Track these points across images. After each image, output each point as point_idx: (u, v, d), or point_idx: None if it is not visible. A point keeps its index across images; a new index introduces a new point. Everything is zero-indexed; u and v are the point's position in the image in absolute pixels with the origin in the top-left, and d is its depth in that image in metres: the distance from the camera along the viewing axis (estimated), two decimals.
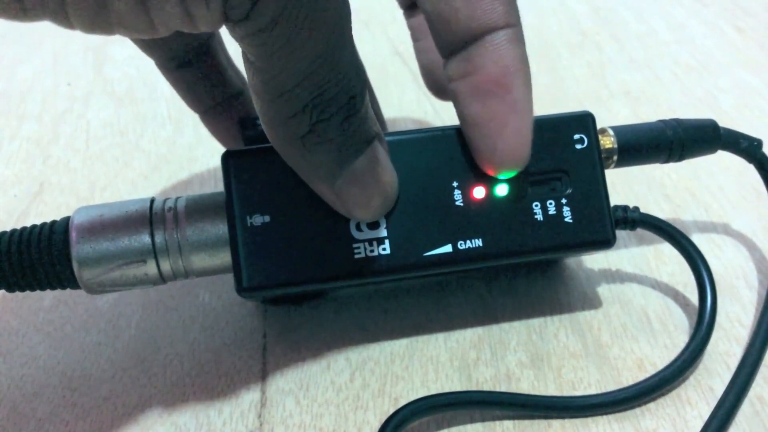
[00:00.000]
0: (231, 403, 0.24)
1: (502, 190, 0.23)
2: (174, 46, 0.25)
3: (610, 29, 0.40)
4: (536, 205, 0.23)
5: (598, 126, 0.24)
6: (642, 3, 0.42)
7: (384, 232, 0.22)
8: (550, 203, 0.23)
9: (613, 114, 0.34)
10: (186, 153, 0.34)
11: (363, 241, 0.22)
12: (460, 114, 0.22)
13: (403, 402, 0.23)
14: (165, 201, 0.22)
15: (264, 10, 0.16)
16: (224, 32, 0.18)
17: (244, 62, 0.18)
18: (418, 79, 0.36)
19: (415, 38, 0.28)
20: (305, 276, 0.22)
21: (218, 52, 0.26)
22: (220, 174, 0.22)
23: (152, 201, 0.22)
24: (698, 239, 0.27)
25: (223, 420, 0.23)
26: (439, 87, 0.27)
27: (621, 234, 0.28)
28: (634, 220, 0.25)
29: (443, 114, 0.35)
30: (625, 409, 0.23)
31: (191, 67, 0.25)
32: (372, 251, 0.22)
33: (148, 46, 0.25)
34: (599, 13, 0.41)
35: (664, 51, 0.38)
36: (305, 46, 0.17)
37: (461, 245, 0.22)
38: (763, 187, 0.26)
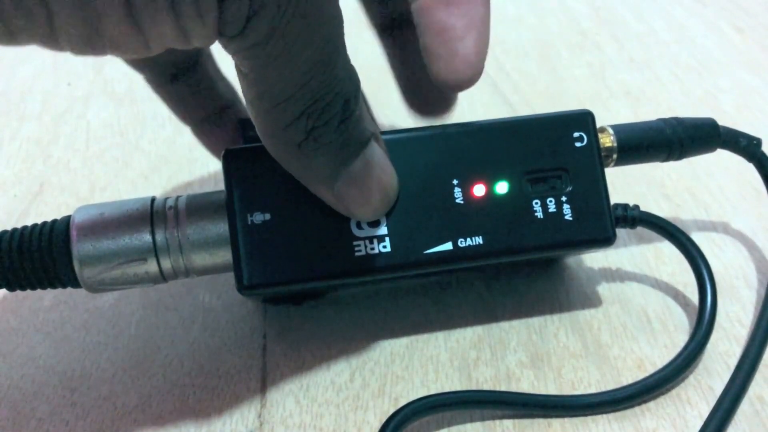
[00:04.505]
0: (231, 404, 0.24)
1: (502, 188, 0.23)
2: (163, 61, 0.25)
3: (610, 29, 0.40)
4: (536, 203, 0.23)
5: (598, 125, 0.24)
6: (642, 3, 0.42)
7: (384, 230, 0.22)
8: (550, 201, 0.23)
9: (613, 114, 0.34)
10: (186, 153, 0.34)
11: (363, 238, 0.22)
12: (425, 25, 0.22)
13: (403, 402, 0.23)
14: (166, 199, 0.22)
15: (259, 26, 0.16)
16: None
17: (238, 74, 0.18)
18: None
19: (400, 61, 0.28)
20: (306, 274, 0.22)
21: (207, 65, 0.26)
22: (220, 174, 0.23)
23: (153, 200, 0.22)
24: (698, 239, 0.27)
25: (223, 420, 0.23)
26: (421, 98, 0.27)
27: (621, 234, 0.29)
28: (634, 218, 0.25)
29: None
30: (625, 408, 0.23)
31: (181, 80, 0.25)
32: (372, 249, 0.22)
33: (136, 62, 0.25)
34: (599, 13, 0.41)
35: (664, 51, 0.38)
36: (300, 58, 0.17)
37: (461, 243, 0.22)
38: (763, 187, 0.26)
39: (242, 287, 0.21)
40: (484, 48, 0.22)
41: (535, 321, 0.26)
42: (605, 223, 0.23)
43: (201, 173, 0.33)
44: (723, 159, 0.27)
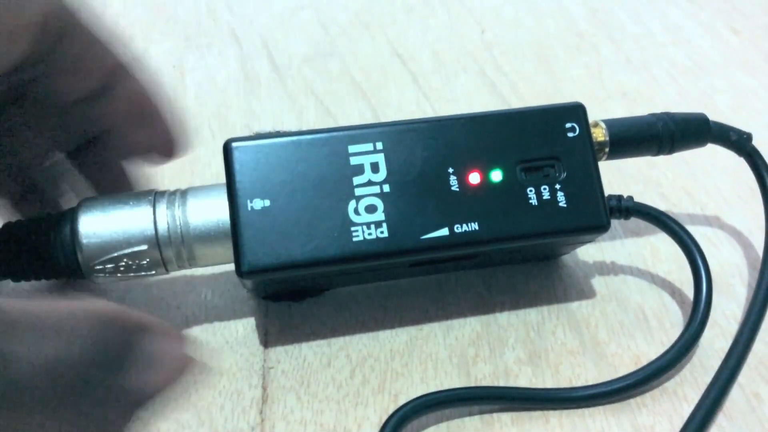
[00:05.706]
0: (232, 400, 0.24)
1: (496, 176, 0.23)
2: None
3: (607, 31, 0.40)
4: (530, 191, 0.23)
5: (591, 120, 0.24)
6: (639, 5, 0.42)
7: (382, 216, 0.22)
8: (545, 188, 0.23)
9: (609, 115, 0.34)
10: (188, 152, 0.34)
11: (361, 224, 0.22)
12: (123, 139, 0.23)
13: (402, 398, 0.23)
14: (168, 191, 0.23)
15: None
16: None
17: None
18: (417, 80, 0.36)
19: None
20: (305, 258, 0.22)
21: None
22: (221, 175, 0.23)
23: (156, 191, 0.23)
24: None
25: (225, 416, 0.24)
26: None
27: (618, 231, 0.29)
28: (628, 208, 0.26)
29: (443, 114, 0.35)
30: (621, 399, 0.24)
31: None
32: (370, 234, 0.22)
33: None
34: (596, 15, 0.41)
35: (660, 52, 0.38)
36: None
37: (458, 228, 0.23)
38: (758, 186, 0.27)
39: (242, 272, 0.22)
40: (181, 125, 0.24)
41: (533, 318, 0.26)
42: (599, 210, 0.23)
43: (202, 173, 0.33)
44: (719, 158, 0.27)
